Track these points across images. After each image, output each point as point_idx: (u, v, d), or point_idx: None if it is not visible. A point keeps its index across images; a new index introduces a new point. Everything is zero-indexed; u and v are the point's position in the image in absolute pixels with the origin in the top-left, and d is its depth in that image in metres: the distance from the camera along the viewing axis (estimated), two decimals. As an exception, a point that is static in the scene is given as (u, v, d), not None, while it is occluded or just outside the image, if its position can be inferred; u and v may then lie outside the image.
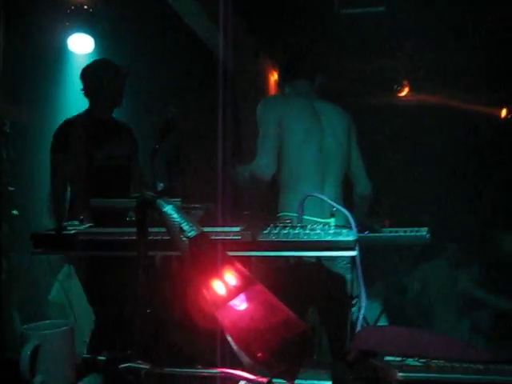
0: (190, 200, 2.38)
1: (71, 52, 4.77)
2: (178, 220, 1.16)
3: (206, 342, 1.30)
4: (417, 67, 6.27)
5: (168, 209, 1.18)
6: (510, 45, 5.35)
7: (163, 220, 1.19)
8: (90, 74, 3.41)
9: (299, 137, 2.86)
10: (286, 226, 2.09)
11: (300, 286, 2.94)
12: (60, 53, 4.73)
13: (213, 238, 1.89)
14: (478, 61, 5.82)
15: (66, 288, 3.43)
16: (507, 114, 6.80)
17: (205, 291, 1.13)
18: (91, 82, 3.39)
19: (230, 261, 1.16)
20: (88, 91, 3.41)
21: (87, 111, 3.46)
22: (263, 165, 2.83)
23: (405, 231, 3.23)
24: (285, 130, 2.88)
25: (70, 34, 4.70)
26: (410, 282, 4.91)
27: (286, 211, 2.79)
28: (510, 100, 6.76)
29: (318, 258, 2.68)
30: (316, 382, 1.40)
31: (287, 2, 4.63)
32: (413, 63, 6.16)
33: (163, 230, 1.29)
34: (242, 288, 1.13)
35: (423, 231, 3.20)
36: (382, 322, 4.03)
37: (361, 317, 2.14)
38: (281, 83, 3.20)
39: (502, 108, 6.85)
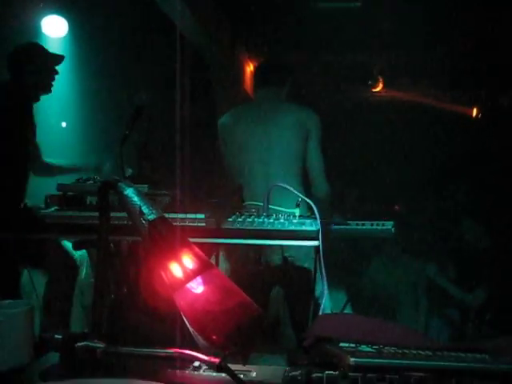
0: (158, 186, 2.40)
1: (45, 35, 4.71)
2: (138, 203, 1.18)
3: (164, 323, 1.32)
4: (391, 63, 6.34)
5: (129, 192, 1.20)
6: (483, 45, 5.44)
7: (124, 203, 1.21)
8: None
9: (241, 138, 3.14)
10: (251, 215, 2.13)
11: (265, 275, 2.99)
12: (34, 36, 4.67)
13: (178, 224, 1.93)
14: (452, 59, 5.91)
15: (32, 274, 3.42)
16: (478, 113, 6.91)
17: (163, 273, 1.15)
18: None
19: (188, 244, 1.19)
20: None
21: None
22: (234, 189, 3.10)
23: (371, 224, 3.30)
24: (229, 138, 3.20)
25: (43, 17, 4.65)
26: (372, 273, 4.98)
27: (253, 200, 2.83)
28: (481, 99, 6.87)
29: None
30: (273, 366, 1.43)
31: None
32: (387, 59, 6.22)
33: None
34: (199, 271, 1.16)
35: (389, 225, 3.27)
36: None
37: (322, 304, 2.19)
38: (254, 89, 3.43)
39: (473, 107, 6.96)
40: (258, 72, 3.48)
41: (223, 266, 2.89)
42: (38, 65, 3.35)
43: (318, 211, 2.84)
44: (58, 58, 3.46)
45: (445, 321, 4.80)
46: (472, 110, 7.01)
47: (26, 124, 3.22)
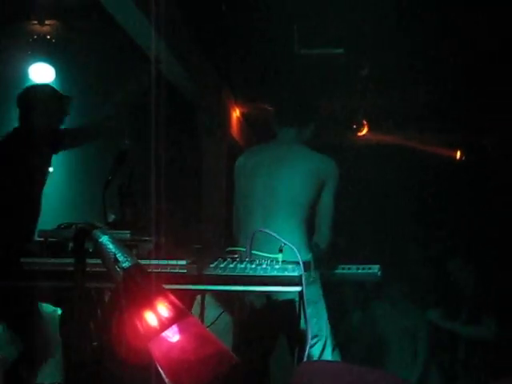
0: (141, 232, 2.38)
1: (32, 82, 4.76)
2: (113, 251, 1.17)
3: (139, 373, 1.29)
4: (376, 107, 6.43)
5: (104, 239, 1.19)
6: (467, 88, 5.54)
7: (99, 250, 1.20)
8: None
9: (247, 180, 3.03)
10: (233, 261, 2.11)
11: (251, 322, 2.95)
12: (21, 82, 4.72)
13: (159, 270, 1.91)
14: (436, 103, 6.01)
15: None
16: (461, 155, 7.00)
17: (137, 322, 1.13)
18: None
19: (163, 292, 1.17)
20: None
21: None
22: (235, 234, 3.11)
23: (357, 268, 3.28)
24: (239, 179, 3.10)
25: (31, 64, 4.71)
26: (361, 319, 4.94)
27: (236, 246, 2.80)
28: (464, 142, 6.98)
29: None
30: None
31: (248, 41, 4.71)
32: (372, 103, 6.31)
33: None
34: (175, 320, 1.14)
35: (375, 269, 3.26)
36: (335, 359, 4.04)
37: (306, 351, 2.16)
38: (274, 129, 3.21)
39: (457, 149, 7.05)
40: (280, 110, 3.27)
41: (211, 312, 2.84)
42: (49, 107, 3.32)
43: (314, 258, 2.86)
44: (68, 100, 3.43)
45: (442, 372, 4.72)
46: (456, 151, 7.10)
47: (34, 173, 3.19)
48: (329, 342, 2.92)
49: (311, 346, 2.86)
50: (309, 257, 2.89)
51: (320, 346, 2.88)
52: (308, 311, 2.82)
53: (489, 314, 4.46)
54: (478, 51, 4.75)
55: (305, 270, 2.80)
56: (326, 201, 2.98)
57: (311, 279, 2.87)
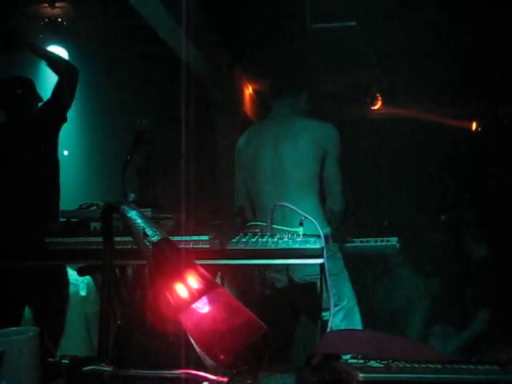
0: (162, 210, 2.41)
1: (46, 65, 4.77)
2: (141, 225, 1.19)
3: (172, 345, 1.32)
4: (389, 81, 6.38)
5: (132, 214, 1.21)
6: (480, 60, 5.48)
7: (128, 225, 1.22)
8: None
9: (252, 162, 3.05)
10: (255, 235, 2.13)
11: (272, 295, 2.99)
12: (34, 65, 4.73)
13: (182, 246, 1.93)
14: (450, 75, 5.94)
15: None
16: (477, 127, 6.93)
17: (168, 295, 1.16)
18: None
19: (192, 265, 1.19)
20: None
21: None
22: (235, 211, 3.10)
23: (376, 241, 3.30)
24: (241, 160, 3.14)
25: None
26: (381, 289, 4.98)
27: (257, 220, 2.82)
28: (480, 113, 6.90)
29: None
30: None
31: (260, 17, 4.69)
32: (385, 77, 6.26)
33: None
34: (205, 291, 1.16)
35: (393, 241, 3.27)
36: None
37: (330, 322, 2.18)
38: (270, 103, 3.22)
39: (472, 121, 6.98)
40: (272, 81, 3.28)
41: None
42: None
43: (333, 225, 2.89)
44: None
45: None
46: (471, 124, 7.03)
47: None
48: (355, 310, 2.97)
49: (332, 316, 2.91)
50: (326, 230, 2.91)
51: (340, 316, 2.92)
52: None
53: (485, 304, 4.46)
54: (493, 21, 4.68)
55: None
56: (331, 167, 2.98)
57: (330, 252, 2.91)
